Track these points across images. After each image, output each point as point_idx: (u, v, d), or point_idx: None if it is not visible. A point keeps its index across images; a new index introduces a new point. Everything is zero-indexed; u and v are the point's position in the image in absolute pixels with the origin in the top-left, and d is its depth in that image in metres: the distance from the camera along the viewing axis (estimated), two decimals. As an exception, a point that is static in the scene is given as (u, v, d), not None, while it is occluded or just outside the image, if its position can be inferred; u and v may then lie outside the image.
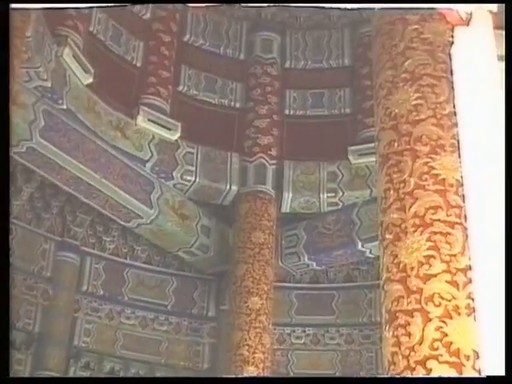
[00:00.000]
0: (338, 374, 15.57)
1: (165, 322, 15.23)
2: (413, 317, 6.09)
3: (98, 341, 14.41)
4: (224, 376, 12.81)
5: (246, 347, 12.80)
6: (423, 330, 6.01)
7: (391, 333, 6.30)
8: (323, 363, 15.64)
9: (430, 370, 6.01)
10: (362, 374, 15.34)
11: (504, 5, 1.79)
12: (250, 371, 12.65)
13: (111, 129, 13.19)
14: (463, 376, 1.47)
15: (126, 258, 15.26)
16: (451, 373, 5.97)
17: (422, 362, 6.04)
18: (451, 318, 5.99)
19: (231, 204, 14.59)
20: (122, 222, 14.04)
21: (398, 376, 5.94)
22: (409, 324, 6.13)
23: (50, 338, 13.52)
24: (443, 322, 5.99)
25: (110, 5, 6.69)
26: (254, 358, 12.78)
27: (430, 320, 6.00)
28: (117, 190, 13.19)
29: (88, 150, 12.70)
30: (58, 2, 12.95)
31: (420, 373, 6.08)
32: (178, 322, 15.36)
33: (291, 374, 15.56)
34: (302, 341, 15.95)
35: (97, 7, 12.89)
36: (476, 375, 5.80)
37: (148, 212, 13.73)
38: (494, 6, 1.70)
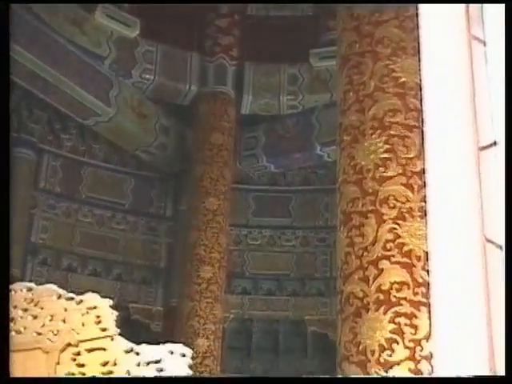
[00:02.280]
0: (292, 276, 15.87)
1: (122, 221, 15.28)
2: (367, 218, 6.18)
3: (55, 238, 14.42)
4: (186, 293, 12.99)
5: (203, 247, 12.93)
6: (377, 231, 6.12)
7: (345, 233, 6.41)
8: (278, 264, 15.90)
9: (382, 270, 6.16)
10: (316, 276, 15.66)
11: (504, 5, 1.76)
12: (207, 270, 12.83)
13: (68, 24, 12.89)
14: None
15: (83, 157, 15.14)
16: (402, 273, 6.12)
17: (375, 262, 6.18)
18: (405, 220, 6.10)
19: (190, 104, 14.48)
20: (80, 120, 13.89)
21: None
22: (363, 225, 6.23)
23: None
24: (397, 223, 6.10)
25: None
26: (210, 257, 12.94)
27: (384, 221, 6.11)
28: (74, 87, 12.99)
29: (44, 44, 12.42)
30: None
31: (372, 273, 6.22)
32: (136, 221, 15.43)
33: (247, 275, 15.82)
34: (258, 242, 16.16)
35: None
36: (425, 276, 5.96)
37: (106, 110, 13.58)
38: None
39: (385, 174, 6.16)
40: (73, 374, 3.95)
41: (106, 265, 14.80)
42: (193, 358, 3.89)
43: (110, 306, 3.99)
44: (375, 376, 5.83)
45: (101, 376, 3.47)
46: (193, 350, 3.94)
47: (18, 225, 13.55)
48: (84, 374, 3.92)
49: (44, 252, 14.22)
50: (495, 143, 1.86)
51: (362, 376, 5.86)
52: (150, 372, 3.75)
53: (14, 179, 13.73)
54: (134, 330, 3.63)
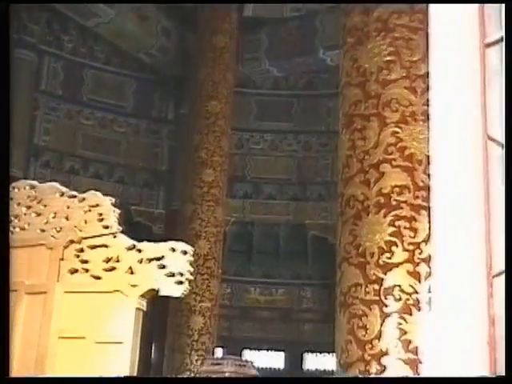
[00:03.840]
0: (293, 180, 15.94)
1: (124, 124, 15.25)
2: (369, 121, 6.15)
3: (57, 140, 14.43)
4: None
5: (205, 150, 12.93)
6: (379, 134, 6.10)
7: (347, 137, 6.39)
8: (280, 169, 15.95)
9: (383, 173, 6.18)
10: (318, 180, 15.73)
11: (504, 5, 1.69)
12: (208, 174, 12.87)
13: None
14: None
15: (84, 58, 15.00)
16: (403, 177, 6.13)
17: (376, 166, 6.18)
18: (407, 123, 6.07)
19: (192, 6, 14.23)
20: (80, 21, 13.68)
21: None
22: (365, 128, 6.21)
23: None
24: (399, 127, 6.08)
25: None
26: (211, 161, 12.96)
27: (386, 125, 6.08)
28: (74, -13, 12.76)
29: None
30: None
31: (373, 176, 6.24)
32: (137, 124, 15.39)
33: (248, 179, 15.89)
34: (260, 146, 16.17)
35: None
36: (426, 180, 5.98)
37: (107, 11, 13.36)
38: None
39: (388, 77, 6.09)
40: (76, 270, 4.02)
41: (108, 167, 14.85)
42: (194, 260, 3.95)
43: (112, 204, 4.03)
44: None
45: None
46: (194, 251, 3.98)
47: (20, 127, 13.53)
48: (87, 271, 3.99)
49: (46, 154, 14.25)
50: (502, 39, 1.83)
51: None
52: (151, 269, 3.81)
53: (14, 81, 13.67)
54: (136, 232, 3.67)
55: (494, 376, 1.62)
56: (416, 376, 5.93)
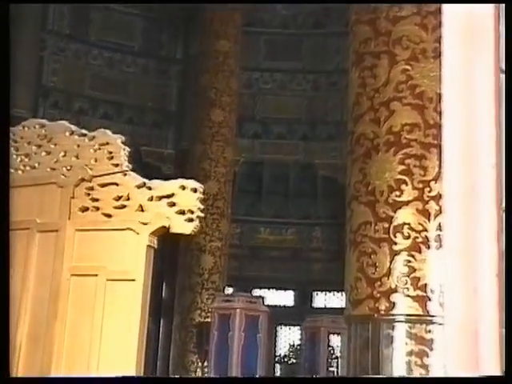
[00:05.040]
0: (303, 120, 15.87)
1: (132, 64, 15.15)
2: (380, 59, 6.10)
3: (65, 80, 14.38)
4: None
5: (214, 90, 12.88)
6: (389, 72, 6.06)
7: (357, 74, 6.35)
8: (289, 108, 15.88)
9: (393, 111, 6.14)
10: (327, 120, 15.65)
11: (504, 5, 1.64)
12: (217, 114, 12.84)
13: None
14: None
15: (91, -3, 14.84)
16: (413, 115, 6.10)
17: (386, 104, 6.15)
18: (418, 61, 6.02)
19: None
20: (87, -41, 13.52)
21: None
22: (375, 66, 6.16)
23: (16, 76, 13.42)
24: (409, 64, 6.03)
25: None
26: (221, 101, 12.92)
27: (397, 62, 6.03)
28: None
29: None
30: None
31: (383, 114, 6.20)
32: (146, 64, 15.30)
33: (257, 118, 15.83)
34: (269, 86, 16.06)
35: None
36: (437, 118, 5.95)
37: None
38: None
39: (398, 14, 6.02)
40: (87, 208, 4.04)
41: (117, 108, 14.81)
42: (204, 200, 3.95)
43: (122, 143, 4.02)
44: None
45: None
46: (203, 191, 3.99)
47: (28, 67, 13.47)
48: (98, 209, 4.01)
49: (55, 95, 14.22)
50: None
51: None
52: (162, 206, 3.82)
53: (21, 21, 13.55)
54: (146, 172, 3.68)
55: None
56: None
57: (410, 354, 6.19)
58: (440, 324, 5.74)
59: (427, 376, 5.91)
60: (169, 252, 12.56)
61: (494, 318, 1.64)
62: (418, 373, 6.17)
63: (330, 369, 7.16)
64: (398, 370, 6.28)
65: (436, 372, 5.87)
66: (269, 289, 16.50)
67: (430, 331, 6.10)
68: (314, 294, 16.77)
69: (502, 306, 1.68)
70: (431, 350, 6.07)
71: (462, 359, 1.54)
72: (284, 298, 16.91)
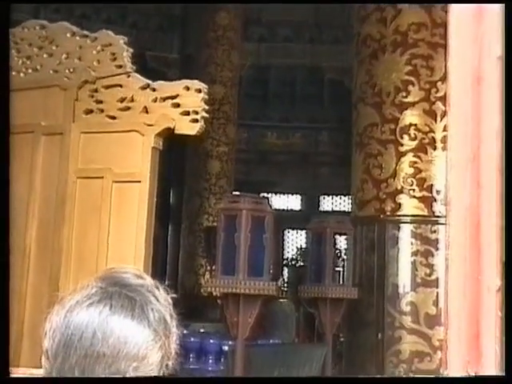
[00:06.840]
0: (310, 22, 15.58)
1: None
2: None
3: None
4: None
5: None
6: None
7: None
8: (295, 10, 15.51)
9: (400, 10, 6.04)
10: (334, 22, 15.36)
11: (504, 5, 1.54)
12: (222, 16, 12.65)
13: None
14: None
15: None
16: (420, 14, 5.99)
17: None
18: None
19: None
20: None
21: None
22: None
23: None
24: None
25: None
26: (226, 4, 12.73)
27: None
28: None
29: None
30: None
31: (389, 14, 6.10)
32: None
33: (263, 21, 15.55)
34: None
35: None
36: (444, 17, 5.84)
37: None
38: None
39: None
40: (91, 110, 4.02)
41: (121, 12, 14.56)
42: (210, 104, 3.92)
43: (125, 44, 3.97)
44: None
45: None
46: (209, 95, 3.95)
47: None
48: (102, 111, 3.99)
49: (56, -1, 13.96)
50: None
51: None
52: (166, 108, 3.80)
53: None
54: (151, 77, 3.63)
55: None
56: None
57: (416, 253, 6.27)
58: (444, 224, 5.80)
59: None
60: (176, 158, 12.57)
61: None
62: (422, 272, 6.25)
63: (336, 269, 7.24)
64: (404, 269, 6.38)
65: (440, 271, 5.94)
66: (276, 193, 16.59)
67: (435, 231, 6.15)
68: (321, 198, 16.87)
69: (502, 200, 1.68)
70: (436, 249, 6.15)
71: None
72: (291, 202, 17.03)
